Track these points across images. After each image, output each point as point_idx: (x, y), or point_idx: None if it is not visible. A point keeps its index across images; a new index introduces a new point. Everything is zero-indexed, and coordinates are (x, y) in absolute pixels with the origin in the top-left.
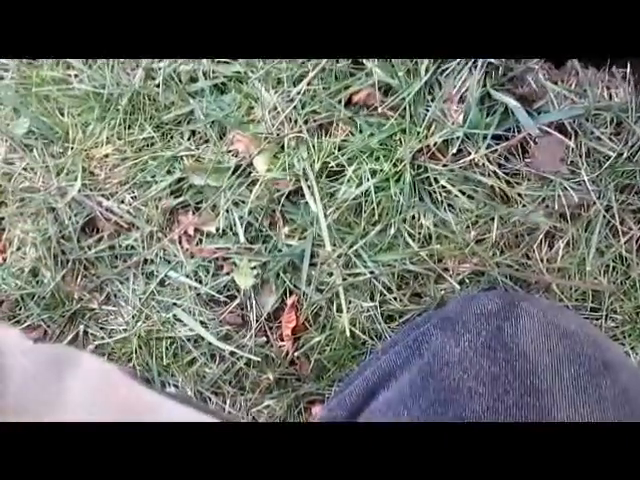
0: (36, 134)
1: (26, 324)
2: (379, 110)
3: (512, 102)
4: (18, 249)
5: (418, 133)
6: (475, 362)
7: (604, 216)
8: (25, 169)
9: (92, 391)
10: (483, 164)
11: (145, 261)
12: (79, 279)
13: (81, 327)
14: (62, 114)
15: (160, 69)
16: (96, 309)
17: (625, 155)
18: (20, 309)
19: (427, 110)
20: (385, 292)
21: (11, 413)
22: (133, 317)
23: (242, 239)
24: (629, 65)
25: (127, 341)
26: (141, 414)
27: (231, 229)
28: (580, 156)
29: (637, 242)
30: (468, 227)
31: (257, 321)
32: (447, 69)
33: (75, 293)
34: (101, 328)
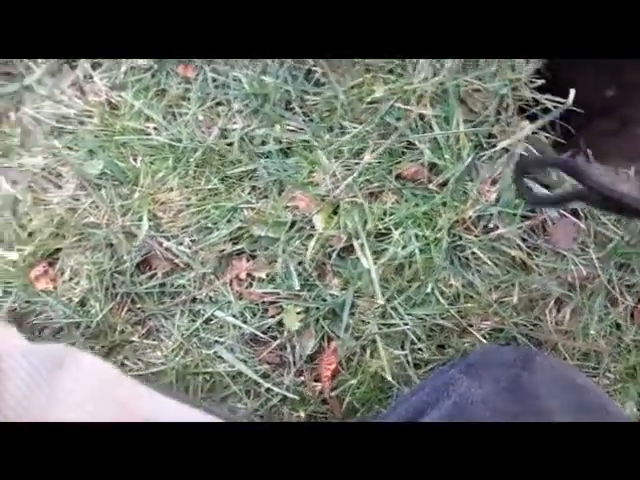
0: (107, 176)
1: None
2: (427, 185)
3: (537, 189)
4: (70, 279)
5: (456, 207)
6: (497, 402)
7: (605, 288)
8: (90, 206)
9: (92, 390)
10: (509, 237)
11: (193, 300)
12: (124, 312)
13: (119, 357)
14: (135, 160)
15: (234, 130)
16: (136, 341)
17: (625, 239)
18: (63, 336)
19: (465, 188)
20: (417, 341)
21: (10, 413)
22: (172, 351)
23: (297, 286)
24: (632, 167)
25: (163, 374)
26: (141, 413)
27: (280, 277)
28: (589, 237)
29: (630, 312)
30: (491, 289)
31: (295, 363)
32: (484, 155)
33: (118, 325)
34: (139, 360)
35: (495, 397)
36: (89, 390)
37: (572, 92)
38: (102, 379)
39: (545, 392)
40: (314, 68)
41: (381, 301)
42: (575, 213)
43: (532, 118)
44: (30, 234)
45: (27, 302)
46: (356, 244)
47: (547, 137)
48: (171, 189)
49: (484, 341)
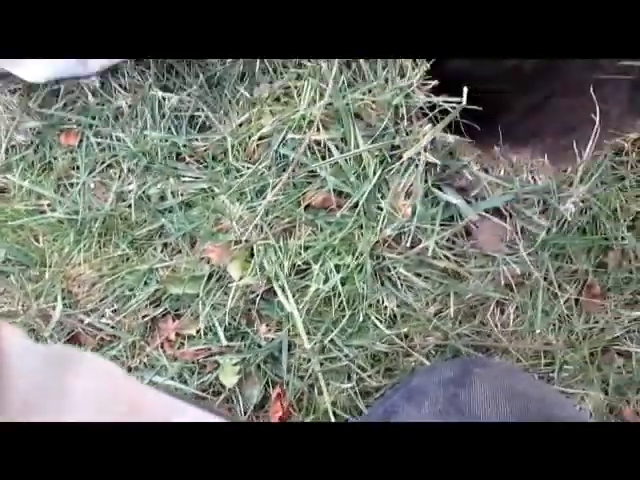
0: (12, 261)
1: None
2: (337, 213)
3: (451, 196)
4: None
5: (373, 227)
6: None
7: (544, 282)
8: (4, 295)
9: (98, 390)
10: (434, 249)
11: (129, 369)
12: None
13: None
14: (37, 241)
15: (130, 191)
16: None
17: (554, 230)
18: None
19: (379, 207)
20: (360, 372)
21: (16, 413)
22: None
23: (223, 341)
24: (546, 155)
25: None
26: (148, 413)
27: (211, 330)
28: (516, 234)
29: (575, 301)
30: (427, 304)
31: (245, 413)
32: (392, 169)
33: None
34: None
35: (432, 421)
36: (96, 389)
37: (465, 90)
38: (108, 378)
39: (482, 408)
40: (196, 113)
41: (307, 345)
42: (497, 212)
43: (434, 122)
44: None
45: None
46: (276, 286)
47: (454, 139)
48: (79, 263)
49: (426, 362)
